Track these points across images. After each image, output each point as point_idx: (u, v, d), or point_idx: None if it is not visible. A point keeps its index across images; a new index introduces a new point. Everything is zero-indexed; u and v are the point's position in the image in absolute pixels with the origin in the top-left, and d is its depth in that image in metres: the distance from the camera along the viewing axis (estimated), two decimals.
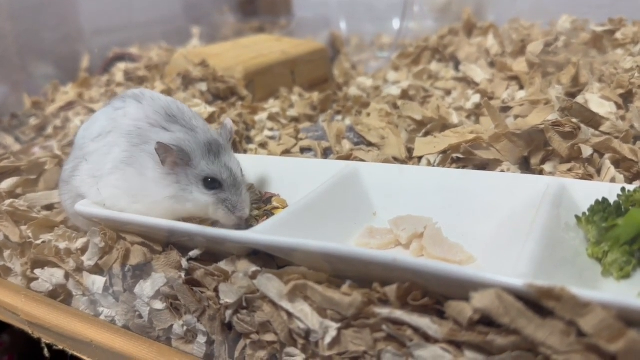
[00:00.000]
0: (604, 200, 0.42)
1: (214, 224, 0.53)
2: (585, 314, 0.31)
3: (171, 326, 0.48)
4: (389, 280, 0.38)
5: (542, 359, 0.32)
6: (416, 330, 0.36)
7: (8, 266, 0.58)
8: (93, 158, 0.53)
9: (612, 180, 0.51)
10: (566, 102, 0.55)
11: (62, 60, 1.22)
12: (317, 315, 0.40)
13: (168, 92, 0.82)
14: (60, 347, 0.56)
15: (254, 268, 0.42)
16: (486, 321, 0.34)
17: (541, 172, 0.55)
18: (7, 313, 0.59)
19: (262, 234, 0.42)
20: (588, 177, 0.53)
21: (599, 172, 0.54)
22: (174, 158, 0.49)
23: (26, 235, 0.55)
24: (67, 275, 0.53)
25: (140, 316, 0.49)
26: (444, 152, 0.58)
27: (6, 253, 0.57)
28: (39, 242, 0.54)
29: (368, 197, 0.54)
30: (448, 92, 0.81)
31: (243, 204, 0.50)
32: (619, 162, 0.54)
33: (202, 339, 0.46)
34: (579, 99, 0.61)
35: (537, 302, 0.33)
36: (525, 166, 0.57)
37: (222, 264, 0.45)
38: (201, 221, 0.51)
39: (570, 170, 0.53)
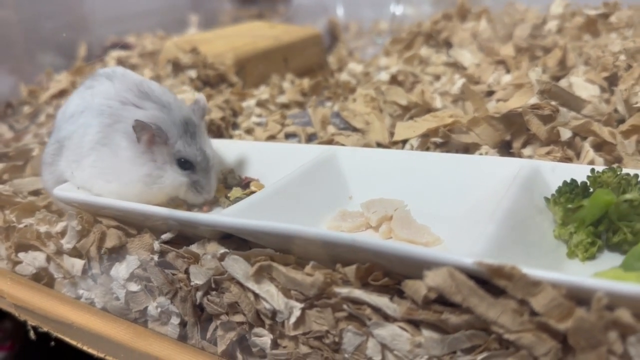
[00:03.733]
0: (572, 181, 0.42)
1: (190, 207, 0.54)
2: (536, 293, 0.31)
3: (146, 308, 0.48)
4: (355, 262, 0.38)
5: (495, 338, 0.33)
6: (375, 309, 0.37)
7: None
8: (71, 142, 0.53)
9: (591, 163, 0.51)
10: (545, 84, 0.54)
11: (67, 49, 1.22)
12: (282, 295, 0.40)
13: (157, 78, 0.82)
14: (45, 329, 0.57)
15: (222, 250, 0.43)
16: (444, 301, 0.35)
17: (520, 156, 0.55)
18: None
19: (228, 216, 0.43)
20: (567, 160, 0.53)
21: (578, 155, 0.53)
22: (150, 136, 0.49)
23: (9, 219, 0.56)
24: (48, 259, 0.54)
25: (117, 298, 0.50)
26: (423, 136, 0.58)
27: None
28: (21, 226, 0.55)
29: (345, 181, 0.54)
30: (437, 77, 0.80)
31: (210, 186, 0.53)
32: (601, 146, 0.53)
33: (175, 321, 0.47)
34: (563, 82, 0.61)
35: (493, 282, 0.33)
36: (505, 150, 0.57)
37: (194, 247, 0.45)
38: (177, 205, 0.52)
39: (548, 153, 0.53)
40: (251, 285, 0.41)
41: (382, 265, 0.38)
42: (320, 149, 0.56)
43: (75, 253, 0.51)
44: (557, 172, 0.46)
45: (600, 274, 0.34)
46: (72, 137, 0.53)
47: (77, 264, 0.51)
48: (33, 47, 1.18)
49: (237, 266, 0.41)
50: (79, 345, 0.54)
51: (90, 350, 0.53)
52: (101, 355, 0.52)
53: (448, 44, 0.93)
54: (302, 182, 0.51)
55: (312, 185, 0.51)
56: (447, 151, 0.58)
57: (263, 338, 0.42)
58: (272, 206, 0.47)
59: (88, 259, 0.50)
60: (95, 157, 0.51)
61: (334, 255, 0.40)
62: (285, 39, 0.97)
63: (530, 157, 0.54)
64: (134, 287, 0.48)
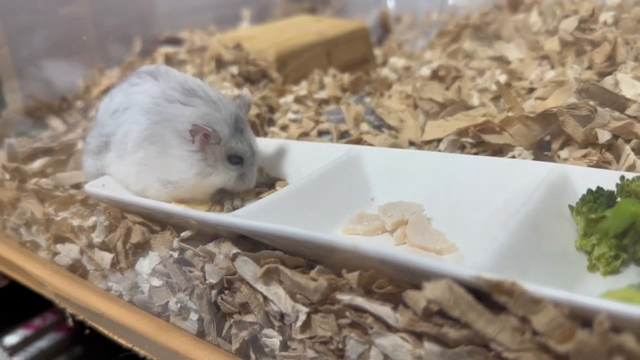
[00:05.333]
0: (598, 189, 0.39)
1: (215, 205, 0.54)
2: (537, 311, 0.30)
3: (167, 303, 0.50)
4: (363, 268, 0.38)
5: (495, 356, 0.31)
6: (377, 318, 0.36)
7: (36, 240, 0.62)
8: (115, 137, 0.55)
9: (631, 168, 0.48)
10: (583, 83, 0.51)
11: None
12: (289, 298, 0.40)
13: (199, 75, 0.84)
14: (81, 317, 0.60)
15: (235, 250, 0.43)
16: (446, 313, 0.33)
17: (557, 159, 0.52)
18: (38, 284, 0.63)
19: (235, 217, 0.43)
20: (605, 164, 0.50)
21: (618, 159, 0.50)
22: (205, 138, 0.51)
23: (48, 212, 0.59)
24: (81, 251, 0.56)
25: (142, 292, 0.52)
26: (453, 136, 0.56)
27: (33, 228, 0.61)
28: (58, 218, 0.58)
29: (368, 182, 0.53)
30: (481, 73, 0.77)
31: (254, 177, 0.56)
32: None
33: (194, 317, 0.48)
34: (608, 80, 0.57)
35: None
36: (542, 151, 0.54)
37: (210, 246, 0.46)
38: (199, 203, 0.53)
39: (584, 156, 0.50)
40: (259, 286, 0.41)
41: (388, 272, 0.37)
42: (345, 148, 0.56)
43: (105, 247, 0.53)
44: (587, 178, 0.43)
45: (610, 293, 0.31)
46: (116, 133, 0.55)
47: (107, 257, 0.53)
48: (104, 41, 1.22)
49: (247, 267, 0.41)
50: (110, 335, 0.56)
51: (120, 340, 0.55)
52: (129, 345, 0.54)
53: (497, 37, 0.90)
54: (322, 182, 0.50)
55: (334, 186, 0.51)
56: (481, 152, 0.56)
57: (273, 339, 0.42)
58: (288, 207, 0.47)
59: (116, 253, 0.52)
60: (143, 154, 0.53)
61: (343, 260, 0.39)
62: (330, 34, 0.96)
63: (566, 160, 0.51)
64: (156, 282, 0.50)
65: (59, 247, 0.59)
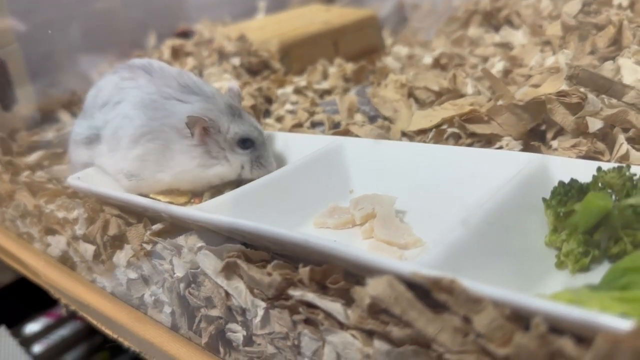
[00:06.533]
0: (572, 181, 0.37)
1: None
2: (478, 310, 0.28)
3: (143, 295, 0.50)
4: (325, 263, 0.37)
5: (437, 357, 0.30)
6: (328, 314, 0.35)
7: (31, 232, 0.63)
8: (106, 132, 0.55)
9: (624, 158, 0.45)
10: (573, 69, 0.48)
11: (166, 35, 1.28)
12: (249, 293, 0.39)
13: (200, 67, 0.84)
14: (73, 307, 0.61)
15: (199, 244, 0.43)
16: None
17: (549, 149, 0.49)
18: (34, 275, 0.64)
19: (196, 210, 0.43)
20: (597, 154, 0.47)
21: (612, 149, 0.47)
22: (204, 129, 0.50)
23: (40, 204, 0.60)
24: (68, 243, 0.57)
25: (121, 284, 0.52)
26: (438, 126, 0.54)
27: (27, 220, 0.63)
28: (47, 211, 0.59)
29: (348, 174, 0.51)
30: (486, 60, 0.75)
31: (271, 159, 0.54)
32: (637, 138, 0.47)
33: (167, 310, 0.48)
34: (607, 65, 0.54)
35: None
36: (535, 141, 0.52)
37: (180, 239, 0.45)
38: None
39: (574, 146, 0.47)
40: (220, 281, 0.40)
41: (345, 268, 0.36)
42: (328, 139, 0.54)
43: (87, 239, 0.54)
44: (569, 169, 0.41)
45: (559, 293, 0.29)
46: (107, 127, 0.55)
47: (89, 249, 0.53)
48: (135, 35, 1.24)
49: (208, 261, 0.41)
50: (98, 325, 0.57)
51: (107, 331, 0.56)
52: (115, 336, 0.55)
53: (509, 23, 0.86)
54: (299, 174, 0.49)
55: (311, 178, 0.50)
56: (475, 143, 0.54)
57: (237, 334, 0.42)
58: (260, 199, 0.46)
59: (97, 246, 0.53)
60: (141, 152, 0.52)
61: (301, 254, 0.38)
62: (336, 23, 0.94)
63: (555, 150, 0.48)
64: (132, 274, 0.50)
65: (50, 238, 0.59)
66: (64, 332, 1.08)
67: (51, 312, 1.11)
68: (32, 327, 1.09)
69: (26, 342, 1.03)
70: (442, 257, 0.32)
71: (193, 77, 0.56)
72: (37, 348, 1.03)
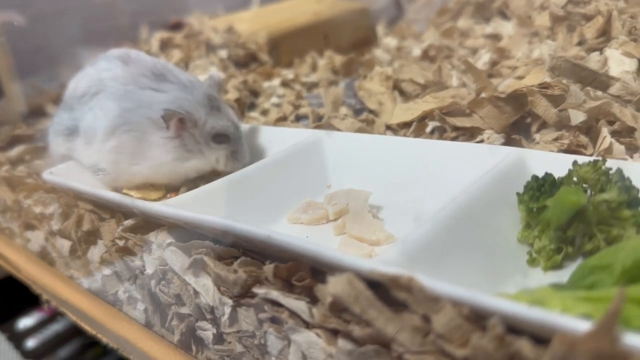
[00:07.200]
0: (546, 175, 0.36)
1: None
2: (438, 310, 0.27)
3: (117, 291, 0.49)
4: (291, 259, 0.36)
5: (397, 357, 0.29)
6: (292, 313, 0.34)
7: (11, 227, 0.63)
8: (84, 123, 0.55)
9: (607, 151, 0.44)
10: (555, 60, 0.47)
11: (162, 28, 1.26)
12: (217, 291, 0.38)
13: (185, 59, 0.83)
14: (53, 303, 0.60)
15: (168, 240, 0.42)
16: None
17: (527, 143, 0.48)
18: (16, 270, 0.64)
19: (165, 206, 0.42)
20: (579, 148, 0.46)
21: (595, 142, 0.46)
22: (180, 122, 0.50)
23: (18, 199, 0.59)
24: (45, 238, 0.56)
25: (96, 280, 0.51)
26: (420, 119, 0.53)
27: (8, 215, 0.62)
28: (26, 206, 0.58)
29: (326, 169, 0.51)
30: (475, 51, 0.73)
31: (246, 153, 0.53)
32: (628, 132, 0.46)
33: (141, 306, 0.47)
34: (594, 56, 0.53)
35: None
36: (517, 135, 0.51)
37: (150, 235, 0.45)
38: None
39: (556, 139, 0.46)
40: (188, 278, 0.39)
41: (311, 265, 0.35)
42: (308, 133, 0.53)
43: (63, 234, 0.53)
44: (547, 164, 0.39)
45: (522, 292, 0.28)
46: (85, 118, 0.54)
47: (66, 245, 0.53)
48: (133, 27, 1.23)
49: (175, 258, 0.40)
50: (78, 321, 0.56)
51: (85, 327, 0.55)
52: (93, 332, 0.54)
53: (501, 14, 0.85)
54: (275, 169, 0.48)
55: (288, 173, 0.49)
56: (460, 136, 0.53)
57: (207, 332, 0.41)
58: (232, 194, 0.45)
59: (73, 241, 0.52)
60: (116, 143, 0.52)
61: (276, 252, 0.37)
62: (326, 15, 0.93)
63: (537, 143, 0.47)
64: (106, 270, 0.49)
65: (29, 234, 0.59)
66: (57, 327, 1.08)
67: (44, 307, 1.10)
68: (25, 322, 1.08)
69: (19, 337, 1.02)
70: (405, 254, 0.31)
71: (169, 65, 0.55)
72: (31, 343, 1.03)
